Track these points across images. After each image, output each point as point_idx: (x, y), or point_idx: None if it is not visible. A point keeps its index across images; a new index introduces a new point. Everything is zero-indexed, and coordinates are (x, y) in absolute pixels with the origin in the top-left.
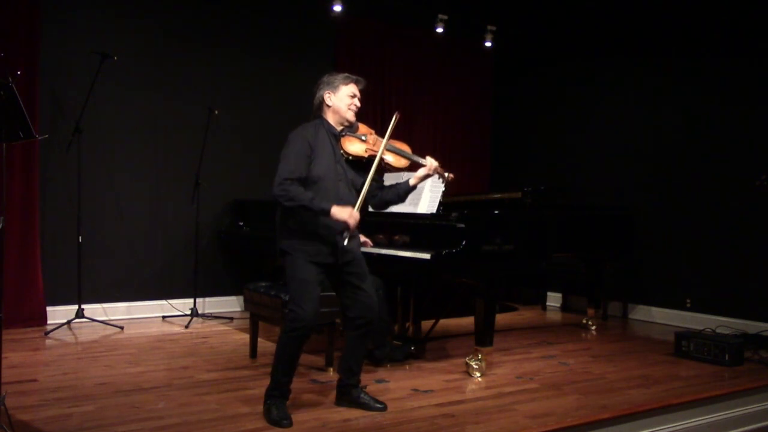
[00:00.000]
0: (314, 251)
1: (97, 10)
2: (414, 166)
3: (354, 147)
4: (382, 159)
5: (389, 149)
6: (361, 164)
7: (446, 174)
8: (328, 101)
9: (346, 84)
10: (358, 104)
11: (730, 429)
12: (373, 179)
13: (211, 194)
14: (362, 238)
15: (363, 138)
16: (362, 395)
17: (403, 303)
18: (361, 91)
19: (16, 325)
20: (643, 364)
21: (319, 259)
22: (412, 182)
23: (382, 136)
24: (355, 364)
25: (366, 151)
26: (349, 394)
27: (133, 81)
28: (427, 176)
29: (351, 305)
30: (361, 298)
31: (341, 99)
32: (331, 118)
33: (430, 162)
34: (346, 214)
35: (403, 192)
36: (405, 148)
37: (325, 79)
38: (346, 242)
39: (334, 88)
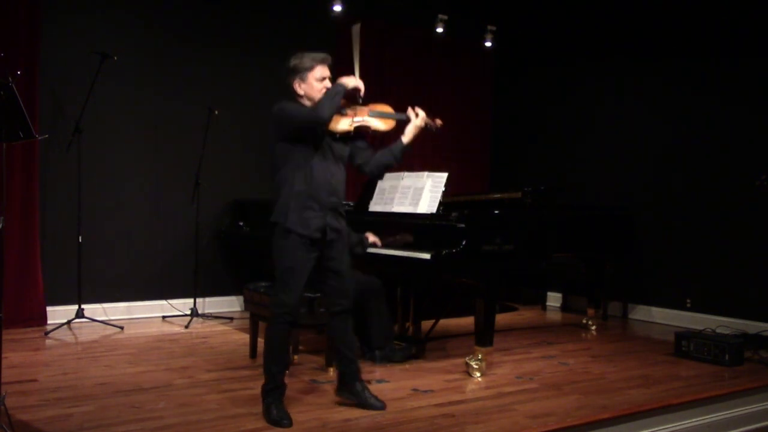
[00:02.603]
0: (303, 224)
1: (97, 10)
2: (401, 126)
3: (339, 125)
4: (366, 126)
5: (372, 114)
6: (350, 138)
7: (436, 121)
8: (299, 90)
9: (312, 69)
10: (330, 85)
11: (730, 429)
12: (357, 145)
13: (211, 194)
14: (371, 238)
15: (343, 112)
16: (366, 393)
17: (403, 303)
18: (330, 67)
19: (16, 325)
20: (643, 364)
21: (308, 233)
22: (405, 140)
23: (362, 105)
24: (347, 350)
25: (351, 125)
26: (353, 386)
27: (133, 81)
28: (418, 128)
29: (328, 291)
30: (337, 285)
31: (311, 86)
32: (307, 104)
33: (415, 114)
34: (353, 79)
35: (399, 152)
36: (387, 109)
37: (291, 64)
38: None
39: (302, 77)
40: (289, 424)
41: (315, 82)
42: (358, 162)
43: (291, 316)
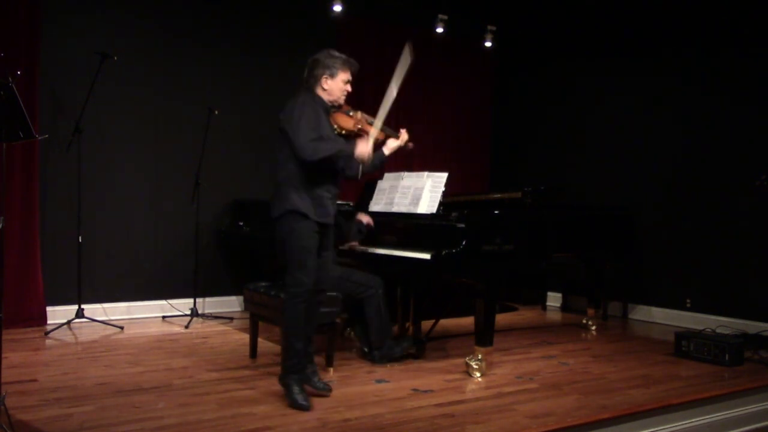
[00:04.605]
0: (324, 212)
1: (97, 10)
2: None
3: (345, 122)
4: (366, 132)
5: (372, 123)
6: (347, 137)
7: (409, 144)
8: (324, 84)
9: (345, 71)
10: (350, 89)
11: (730, 429)
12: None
13: (211, 194)
14: (364, 219)
15: (350, 114)
16: (314, 379)
17: (403, 303)
18: (353, 74)
19: (16, 325)
20: (643, 364)
21: (324, 219)
22: (386, 152)
23: (365, 113)
24: (310, 330)
25: (354, 126)
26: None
27: (133, 81)
28: (399, 147)
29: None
30: (324, 266)
31: (338, 84)
32: (324, 96)
33: (403, 136)
34: (365, 152)
35: (378, 161)
36: (382, 123)
37: (323, 60)
38: (359, 174)
39: (333, 73)
40: (308, 407)
41: (342, 83)
42: (341, 164)
43: (308, 294)
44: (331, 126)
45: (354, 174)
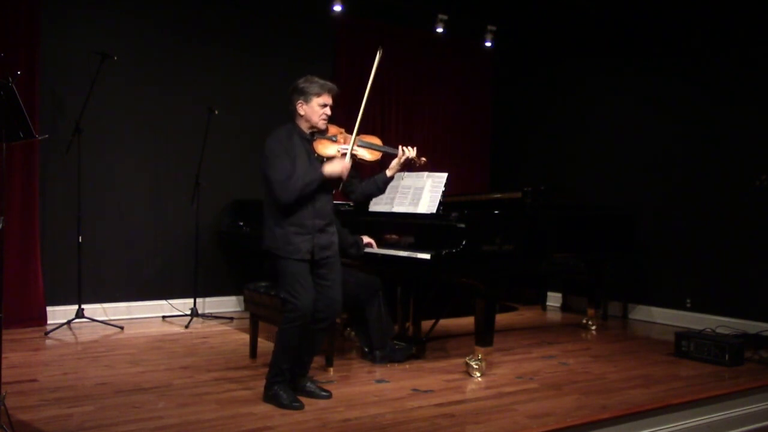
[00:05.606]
0: (293, 250)
1: (97, 10)
2: (388, 158)
3: (326, 149)
4: (354, 155)
5: (360, 145)
6: None
7: (421, 159)
8: (300, 110)
9: (318, 96)
10: (329, 113)
11: (730, 429)
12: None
13: (211, 194)
14: (366, 239)
15: (333, 139)
16: (308, 384)
17: (403, 303)
18: (334, 97)
19: (16, 325)
20: (643, 364)
21: (298, 257)
22: (389, 173)
23: (351, 134)
24: (306, 355)
25: (338, 151)
26: (294, 383)
27: (133, 81)
28: (400, 164)
29: (317, 299)
30: (327, 294)
31: (313, 109)
32: (303, 124)
33: (401, 151)
34: (337, 167)
35: (382, 183)
36: (376, 141)
37: (299, 85)
38: (341, 187)
39: (306, 99)
40: (301, 406)
41: (317, 107)
42: (345, 189)
43: (304, 318)
44: (310, 154)
45: (356, 196)
